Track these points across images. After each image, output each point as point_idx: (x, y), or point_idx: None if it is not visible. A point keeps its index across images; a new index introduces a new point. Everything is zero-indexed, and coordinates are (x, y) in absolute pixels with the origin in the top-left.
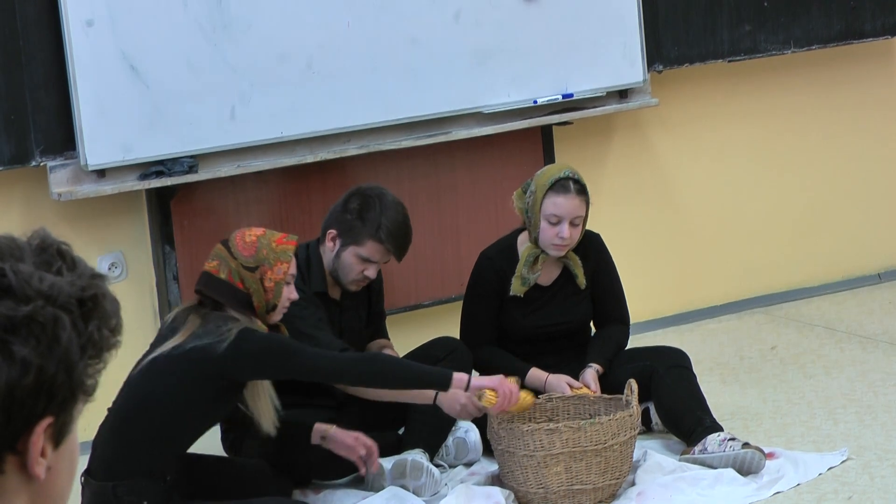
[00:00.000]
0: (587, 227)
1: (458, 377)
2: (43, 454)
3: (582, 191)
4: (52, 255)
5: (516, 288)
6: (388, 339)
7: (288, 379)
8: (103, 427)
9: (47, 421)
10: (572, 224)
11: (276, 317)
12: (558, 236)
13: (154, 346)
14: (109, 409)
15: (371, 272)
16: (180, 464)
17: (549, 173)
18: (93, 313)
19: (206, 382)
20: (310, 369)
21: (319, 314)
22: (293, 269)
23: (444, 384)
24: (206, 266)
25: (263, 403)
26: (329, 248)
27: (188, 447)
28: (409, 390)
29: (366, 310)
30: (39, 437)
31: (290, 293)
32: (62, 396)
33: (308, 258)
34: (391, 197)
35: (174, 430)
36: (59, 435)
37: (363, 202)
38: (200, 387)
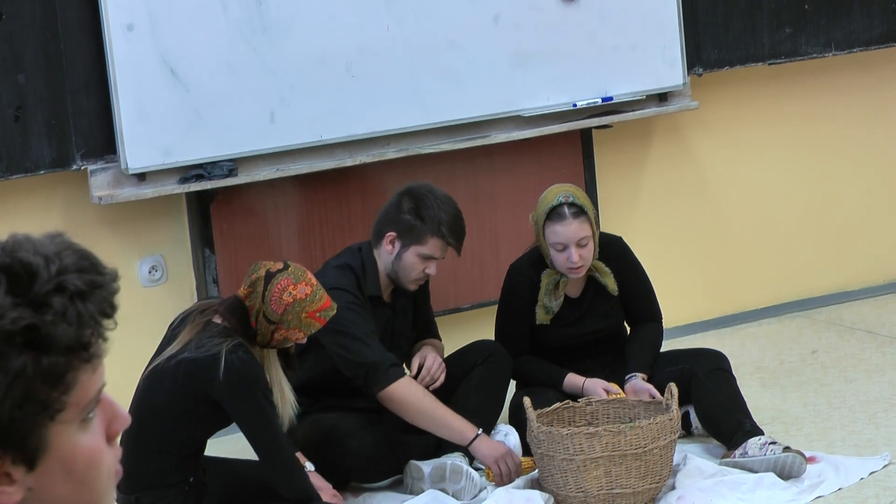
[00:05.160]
0: (608, 232)
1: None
2: (9, 481)
3: (579, 212)
4: None
5: (541, 317)
6: (439, 339)
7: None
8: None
9: None
10: (579, 245)
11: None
12: (569, 261)
13: (159, 351)
14: None
15: (432, 269)
16: (210, 466)
17: (546, 201)
18: (25, 347)
19: (197, 399)
20: (266, 436)
21: (371, 326)
22: (304, 339)
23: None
24: (241, 289)
25: (283, 404)
26: (388, 251)
27: (202, 450)
28: (440, 430)
29: (412, 311)
30: None
31: (300, 341)
32: None
33: (363, 263)
34: (442, 192)
35: (182, 438)
36: (27, 459)
37: (418, 201)
38: (193, 401)
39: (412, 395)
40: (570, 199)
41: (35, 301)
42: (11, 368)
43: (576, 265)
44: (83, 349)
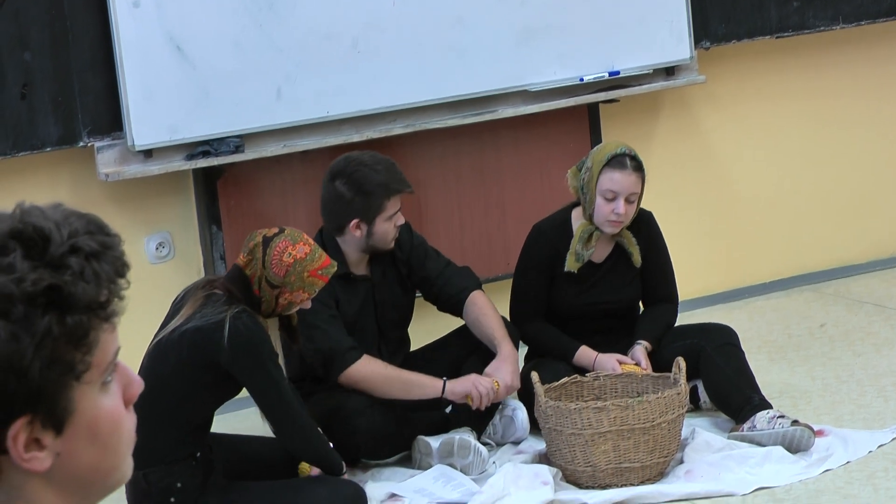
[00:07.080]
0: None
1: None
2: (39, 447)
3: (639, 167)
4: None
5: (570, 264)
6: (474, 286)
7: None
8: None
9: (22, 420)
10: (628, 201)
11: (275, 317)
12: (614, 212)
13: (163, 325)
14: None
15: (401, 220)
16: (216, 442)
17: (606, 149)
18: (48, 308)
19: (204, 368)
20: (276, 395)
21: (330, 311)
22: (309, 301)
23: (336, 472)
24: (239, 258)
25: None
26: (357, 236)
27: (209, 424)
28: (413, 391)
29: (399, 284)
30: (17, 437)
31: (304, 305)
32: (23, 399)
33: (324, 244)
34: (363, 156)
35: (188, 411)
36: (55, 423)
37: (351, 181)
38: (199, 371)
39: (372, 372)
40: (633, 154)
41: (52, 263)
42: (38, 329)
43: (619, 218)
44: (102, 308)
